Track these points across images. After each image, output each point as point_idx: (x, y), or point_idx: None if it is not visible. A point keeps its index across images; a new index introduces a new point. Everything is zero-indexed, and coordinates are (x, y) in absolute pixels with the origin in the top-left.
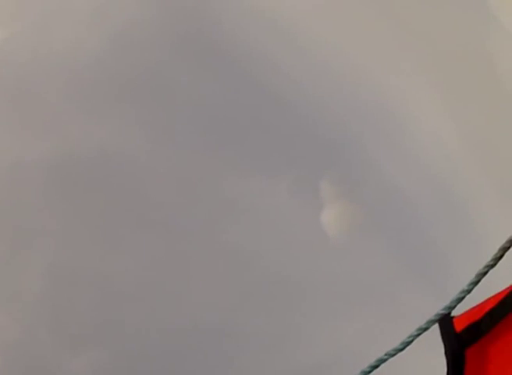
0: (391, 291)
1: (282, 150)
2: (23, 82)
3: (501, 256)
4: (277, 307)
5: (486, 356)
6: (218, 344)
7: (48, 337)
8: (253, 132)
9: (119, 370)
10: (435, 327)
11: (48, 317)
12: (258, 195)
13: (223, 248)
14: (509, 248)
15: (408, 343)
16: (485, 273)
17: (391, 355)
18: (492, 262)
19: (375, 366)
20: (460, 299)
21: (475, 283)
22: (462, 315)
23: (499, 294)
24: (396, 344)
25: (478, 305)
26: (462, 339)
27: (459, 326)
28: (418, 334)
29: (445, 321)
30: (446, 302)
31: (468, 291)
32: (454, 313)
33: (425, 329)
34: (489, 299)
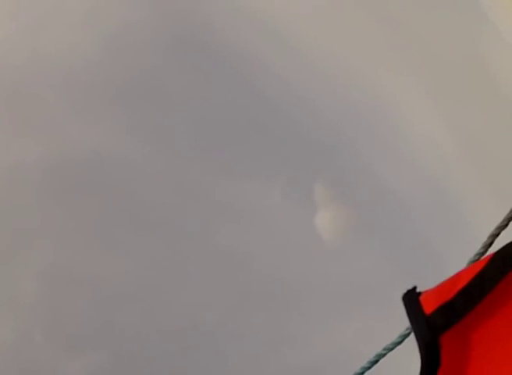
0: (386, 292)
1: (276, 153)
2: (16, 84)
3: (491, 243)
4: (272, 309)
5: (464, 345)
6: (214, 345)
7: (44, 339)
8: (246, 134)
9: (116, 373)
10: None
11: (45, 320)
12: (252, 198)
13: (218, 251)
14: (498, 234)
15: (406, 335)
16: (476, 261)
17: (390, 349)
18: (482, 250)
19: (375, 361)
20: None
21: None
22: (429, 292)
23: (472, 267)
24: (394, 338)
25: (447, 281)
26: (433, 324)
27: (428, 307)
28: None
29: (410, 299)
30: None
31: None
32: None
33: None
34: (460, 273)
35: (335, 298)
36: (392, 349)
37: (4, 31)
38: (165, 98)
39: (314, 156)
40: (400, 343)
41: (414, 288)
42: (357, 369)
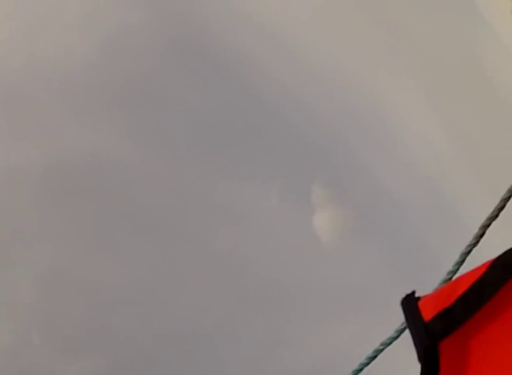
0: (383, 294)
1: (273, 155)
2: (14, 87)
3: (482, 234)
4: (270, 312)
5: (464, 352)
6: (212, 348)
7: (42, 342)
8: (243, 137)
9: None
10: None
11: (43, 322)
12: (250, 200)
13: (215, 253)
14: (489, 225)
15: (402, 330)
16: (468, 252)
17: (387, 344)
18: (473, 241)
19: (373, 357)
20: (447, 281)
21: (460, 262)
22: (428, 297)
23: (471, 273)
24: (391, 333)
25: (446, 286)
26: (432, 331)
27: (427, 313)
28: None
29: (409, 304)
30: (435, 286)
31: (454, 272)
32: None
33: None
34: (459, 279)
35: (332, 300)
36: (389, 344)
37: (2, 34)
38: (162, 100)
39: (311, 158)
40: (396, 337)
41: (413, 293)
42: (356, 365)
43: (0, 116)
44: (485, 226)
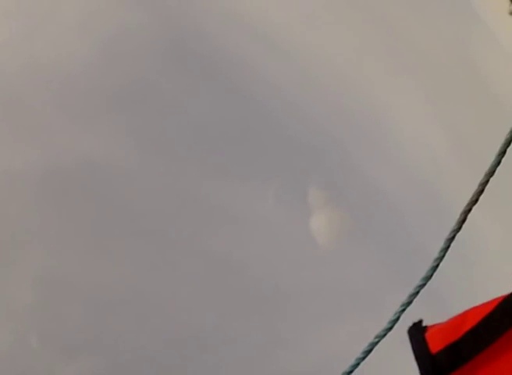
0: (380, 295)
1: (269, 157)
2: (12, 90)
3: (464, 220)
4: (267, 313)
5: None
6: (209, 349)
7: (39, 345)
8: (239, 140)
9: None
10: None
11: (41, 325)
12: (246, 203)
13: (212, 255)
14: (470, 210)
15: (395, 320)
16: (452, 238)
17: (382, 336)
18: (456, 227)
19: (369, 351)
20: (434, 268)
21: (445, 249)
22: (436, 328)
23: (480, 308)
24: (386, 324)
25: (454, 318)
26: (439, 364)
27: (434, 345)
28: (403, 310)
29: (416, 334)
30: (422, 274)
31: (440, 258)
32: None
33: (409, 303)
34: (468, 313)
35: (329, 301)
36: (384, 336)
37: (0, 36)
38: (160, 104)
39: (308, 160)
40: (390, 329)
41: (420, 322)
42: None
43: None
44: (466, 212)
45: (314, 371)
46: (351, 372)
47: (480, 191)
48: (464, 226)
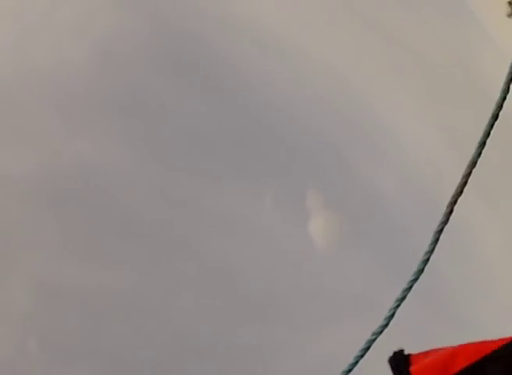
0: (380, 298)
1: (266, 160)
2: (5, 95)
3: (451, 211)
4: (265, 317)
5: None
6: (209, 354)
7: (38, 350)
8: (235, 143)
9: None
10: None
11: (39, 331)
12: (243, 207)
13: (208, 260)
14: (455, 202)
15: (390, 317)
16: (441, 231)
17: (378, 333)
18: (443, 219)
19: (366, 348)
20: (425, 261)
21: (435, 241)
22: (422, 366)
23: (469, 349)
24: (381, 321)
25: (443, 354)
26: None
27: None
28: (398, 306)
29: (400, 367)
30: (412, 263)
31: (431, 252)
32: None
33: (403, 298)
34: (457, 351)
35: (328, 304)
36: (380, 333)
37: None
38: (156, 109)
39: (305, 163)
40: (386, 325)
41: (401, 351)
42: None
43: None
44: (452, 204)
45: (314, 372)
46: (350, 370)
47: (464, 183)
48: (450, 218)
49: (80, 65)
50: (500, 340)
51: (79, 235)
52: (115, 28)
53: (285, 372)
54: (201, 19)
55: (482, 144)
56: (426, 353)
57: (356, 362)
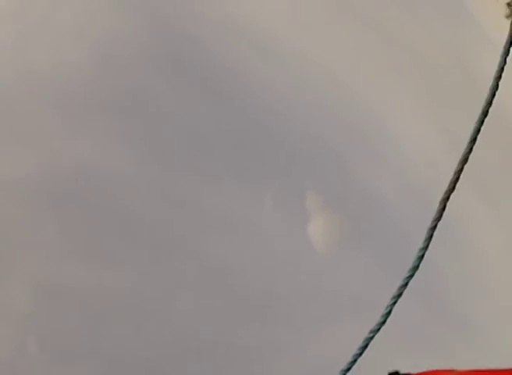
0: (379, 299)
1: (265, 162)
2: (4, 96)
3: (443, 208)
4: (265, 319)
5: None
6: (209, 356)
7: (38, 351)
8: (235, 145)
9: None
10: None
11: (39, 332)
12: (243, 208)
13: (209, 261)
14: (448, 198)
15: (388, 314)
16: (434, 227)
17: (376, 330)
18: (437, 215)
19: (364, 346)
20: (420, 258)
21: (429, 238)
22: None
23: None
24: (379, 317)
25: None
26: None
27: None
28: (394, 303)
29: None
30: (409, 262)
31: (425, 248)
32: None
33: (399, 295)
34: None
35: (327, 305)
36: (378, 330)
37: None
38: (154, 110)
39: (304, 165)
40: (383, 322)
41: (397, 373)
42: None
43: None
44: (445, 200)
45: (314, 372)
46: (349, 369)
47: (456, 179)
48: (444, 214)
49: (80, 66)
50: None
51: (79, 236)
52: (115, 30)
53: (285, 372)
54: (201, 23)
55: (473, 140)
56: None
57: (354, 361)
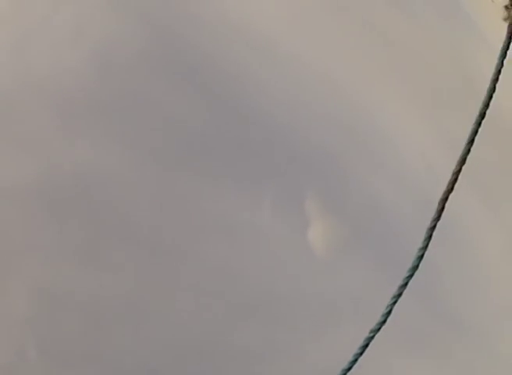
0: (379, 304)
1: (264, 166)
2: (3, 101)
3: (442, 208)
4: (266, 324)
5: None
6: (209, 359)
7: (38, 357)
8: (234, 149)
9: None
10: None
11: (39, 338)
12: (242, 213)
13: (208, 266)
14: (447, 199)
15: (388, 313)
16: (433, 227)
17: (376, 330)
18: (436, 216)
19: (365, 346)
20: (420, 257)
21: (428, 238)
22: None
23: None
24: (379, 317)
25: None
26: None
27: None
28: (394, 302)
29: None
30: (409, 265)
31: (425, 248)
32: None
33: (399, 295)
34: None
35: (328, 309)
36: (378, 330)
37: None
38: (153, 114)
39: (303, 169)
40: (384, 322)
41: None
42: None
43: None
44: (444, 200)
45: (314, 373)
46: (350, 368)
47: (454, 180)
48: (443, 214)
49: (79, 70)
50: None
51: (78, 241)
52: (113, 34)
53: (285, 372)
54: (200, 27)
55: (471, 141)
56: None
57: (355, 360)
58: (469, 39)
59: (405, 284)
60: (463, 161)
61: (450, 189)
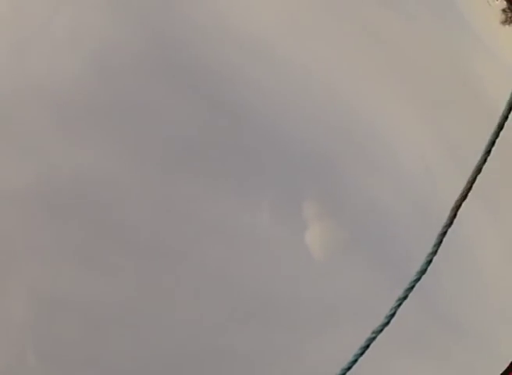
0: (377, 306)
1: (264, 171)
2: (2, 106)
3: (454, 215)
4: (264, 326)
5: None
6: (208, 362)
7: (37, 363)
8: (232, 153)
9: None
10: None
11: (38, 343)
12: (241, 217)
13: (208, 269)
14: (460, 206)
15: (392, 315)
16: (444, 233)
17: (379, 331)
18: (447, 222)
19: (366, 347)
20: (428, 262)
21: (438, 244)
22: None
23: None
24: (383, 318)
25: None
26: None
27: None
28: (399, 305)
29: None
30: (417, 269)
31: (434, 253)
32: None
33: (404, 298)
34: None
35: (326, 312)
36: (381, 331)
37: None
38: (150, 119)
39: (301, 173)
40: (387, 324)
41: None
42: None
43: None
44: (457, 208)
45: (314, 373)
46: (350, 368)
47: (468, 188)
48: (454, 221)
49: (77, 73)
50: None
51: (78, 243)
52: (109, 39)
53: (285, 372)
54: (196, 30)
55: (488, 152)
56: None
57: (355, 360)
58: (466, 42)
59: (411, 287)
60: (478, 170)
61: (464, 197)
